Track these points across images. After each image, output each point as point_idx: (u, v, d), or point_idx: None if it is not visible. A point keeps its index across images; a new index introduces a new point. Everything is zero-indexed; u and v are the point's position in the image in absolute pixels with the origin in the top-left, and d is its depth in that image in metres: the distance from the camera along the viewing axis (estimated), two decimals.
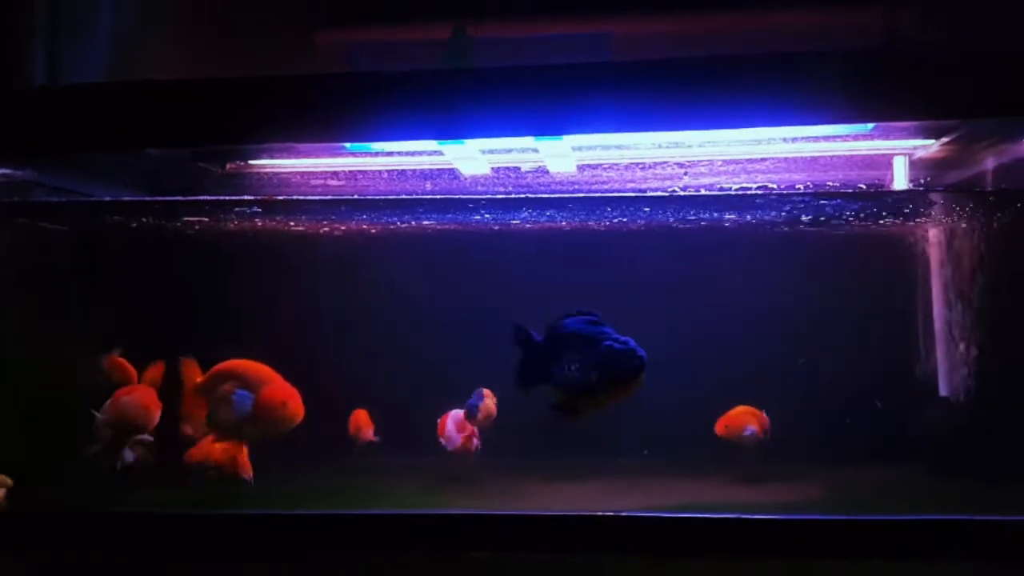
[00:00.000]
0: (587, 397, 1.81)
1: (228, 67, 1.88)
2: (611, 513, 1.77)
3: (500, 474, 2.30)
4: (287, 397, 2.06)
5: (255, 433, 2.08)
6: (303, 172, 2.32)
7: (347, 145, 2.13)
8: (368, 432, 2.46)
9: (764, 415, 2.32)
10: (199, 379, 2.19)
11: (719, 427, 2.33)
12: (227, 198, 2.22)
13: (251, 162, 2.31)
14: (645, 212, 2.24)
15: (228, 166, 2.33)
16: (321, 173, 2.31)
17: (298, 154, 2.25)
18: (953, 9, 2.06)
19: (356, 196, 2.28)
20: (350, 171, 2.29)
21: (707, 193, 2.08)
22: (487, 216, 2.31)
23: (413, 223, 2.39)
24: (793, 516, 1.76)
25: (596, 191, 2.22)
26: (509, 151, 2.15)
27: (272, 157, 2.28)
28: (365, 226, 2.43)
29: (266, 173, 2.34)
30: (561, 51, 1.81)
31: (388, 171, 2.27)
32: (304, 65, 2.06)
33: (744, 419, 2.32)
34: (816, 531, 1.75)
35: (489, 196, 2.21)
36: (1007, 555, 1.70)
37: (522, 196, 2.20)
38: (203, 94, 1.82)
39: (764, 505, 1.85)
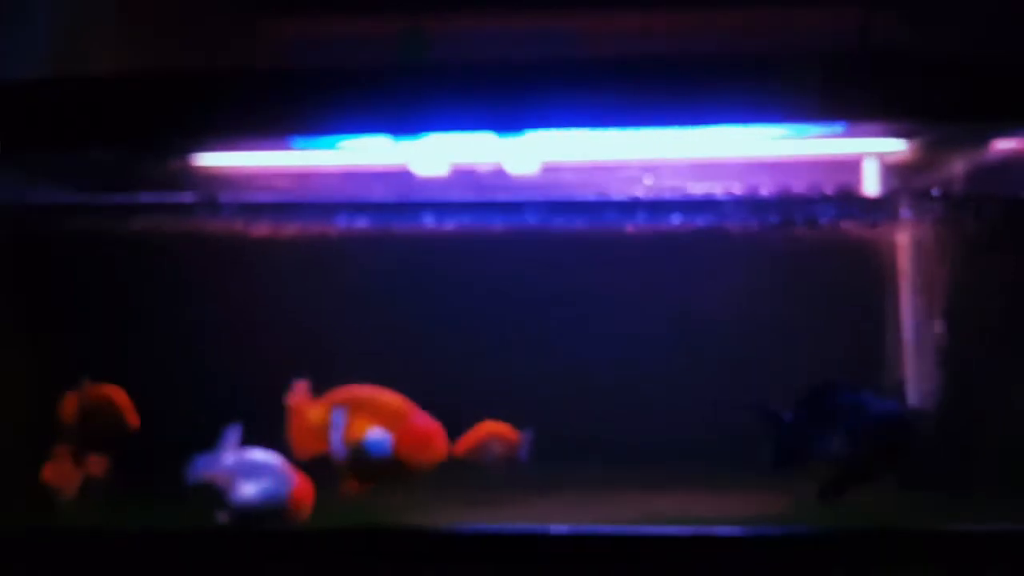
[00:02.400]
0: (858, 472, 1.77)
1: (172, 60, 1.81)
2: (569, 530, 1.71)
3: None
4: (431, 435, 1.82)
5: (390, 477, 1.83)
6: (249, 170, 2.22)
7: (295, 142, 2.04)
8: None
9: (514, 432, 2.12)
10: (312, 408, 1.92)
11: (458, 448, 2.05)
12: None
13: (194, 159, 2.21)
14: (602, 217, 2.19)
15: (171, 164, 2.24)
16: (269, 171, 2.22)
17: (244, 151, 2.16)
18: (926, 14, 2.05)
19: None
20: (302, 170, 2.21)
21: (671, 198, 2.05)
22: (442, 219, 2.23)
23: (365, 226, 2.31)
24: (758, 531, 1.72)
25: (559, 194, 2.16)
26: (468, 150, 2.08)
27: (217, 154, 2.18)
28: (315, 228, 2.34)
29: (211, 171, 2.24)
30: (523, 47, 1.74)
31: (339, 170, 2.19)
32: (253, 58, 1.97)
33: (484, 439, 2.10)
34: (783, 544, 1.71)
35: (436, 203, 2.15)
36: (978, 566, 1.69)
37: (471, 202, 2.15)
38: (142, 88, 1.74)
39: (726, 518, 1.78)
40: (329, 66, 1.67)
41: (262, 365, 2.23)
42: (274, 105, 1.71)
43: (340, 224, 2.20)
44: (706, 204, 2.05)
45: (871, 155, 2.18)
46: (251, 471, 1.82)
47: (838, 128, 1.97)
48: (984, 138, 2.02)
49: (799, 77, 1.72)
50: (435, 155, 2.10)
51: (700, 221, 2.17)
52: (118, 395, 2.08)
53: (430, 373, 2.17)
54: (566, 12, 1.93)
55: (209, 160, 2.21)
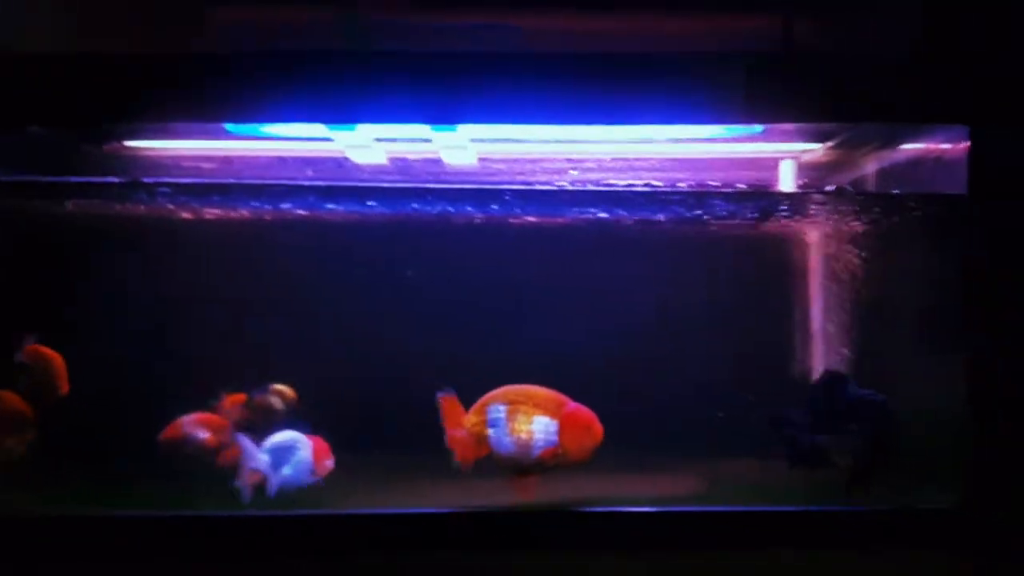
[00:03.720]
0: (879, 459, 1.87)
1: (113, 43, 1.80)
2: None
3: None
4: (591, 420, 1.88)
5: (556, 465, 1.89)
6: (185, 156, 2.23)
7: (229, 127, 2.06)
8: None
9: (224, 419, 2.12)
10: (465, 415, 1.95)
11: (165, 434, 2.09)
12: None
13: (129, 144, 2.21)
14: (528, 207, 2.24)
15: (106, 147, 2.24)
16: (205, 157, 2.22)
17: (180, 136, 2.17)
18: (844, 21, 2.12)
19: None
20: (238, 156, 2.22)
21: (594, 188, 2.09)
22: (374, 207, 2.26)
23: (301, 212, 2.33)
24: (665, 508, 1.80)
25: (493, 184, 2.20)
26: (406, 140, 2.12)
27: (153, 139, 2.19)
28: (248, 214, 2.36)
29: (148, 156, 2.25)
30: (465, 41, 1.77)
31: (276, 158, 2.21)
32: (196, 43, 1.95)
33: (188, 426, 2.10)
34: (690, 522, 1.79)
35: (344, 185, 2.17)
36: (869, 542, 1.78)
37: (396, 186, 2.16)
38: (79, 69, 1.73)
39: (639, 498, 1.86)
40: (260, 50, 1.68)
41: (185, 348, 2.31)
42: (207, 89, 1.72)
43: (263, 207, 2.23)
44: (625, 196, 2.10)
45: (788, 157, 2.26)
46: (284, 453, 1.96)
47: (757, 129, 2.06)
48: (894, 140, 2.12)
49: (721, 77, 1.79)
50: (373, 145, 2.13)
51: (620, 213, 2.24)
52: (56, 359, 2.16)
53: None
54: (507, 9, 1.95)
55: (145, 145, 2.23)
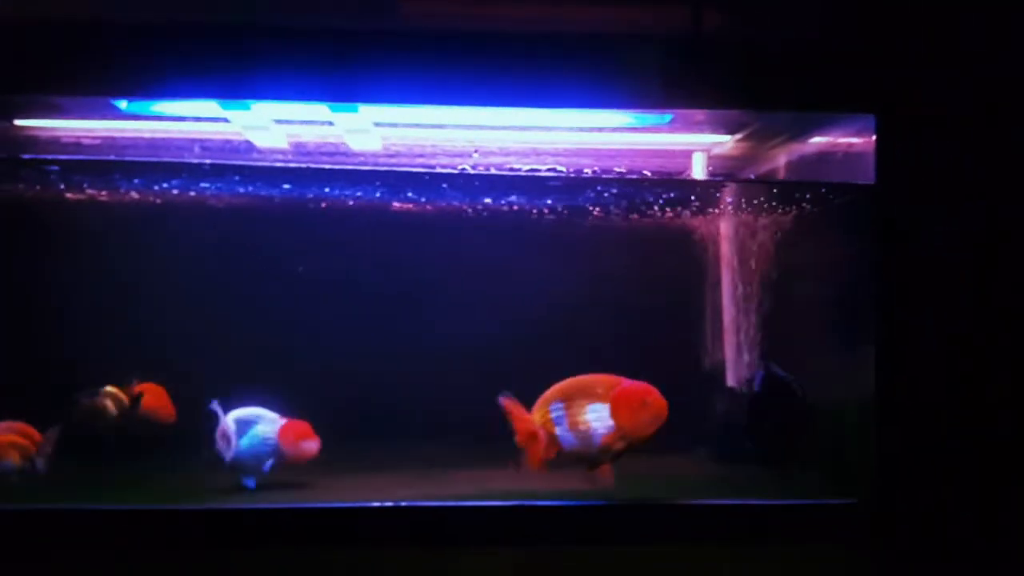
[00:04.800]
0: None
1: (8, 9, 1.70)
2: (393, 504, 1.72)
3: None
4: (644, 393, 1.83)
5: (623, 444, 1.83)
6: (75, 136, 2.13)
7: (122, 106, 1.97)
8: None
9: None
10: (530, 417, 1.90)
11: None
12: None
13: (17, 122, 2.10)
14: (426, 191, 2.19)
15: None
16: (96, 138, 2.13)
17: (69, 115, 2.07)
18: (752, 11, 2.11)
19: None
20: (131, 138, 2.13)
21: (497, 172, 2.04)
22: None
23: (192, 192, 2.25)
24: (585, 503, 1.78)
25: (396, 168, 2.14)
26: (307, 123, 2.05)
27: (41, 118, 2.08)
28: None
29: (36, 136, 2.14)
30: (342, 12, 1.71)
31: (173, 139, 2.11)
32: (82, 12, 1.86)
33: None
34: (608, 517, 1.77)
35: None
36: (783, 536, 1.77)
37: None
38: None
39: (558, 493, 1.82)
40: (147, 20, 1.60)
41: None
42: (90, 61, 1.64)
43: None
44: (530, 181, 2.07)
45: (699, 148, 2.24)
46: (244, 426, 2.06)
47: (665, 119, 2.04)
48: (803, 132, 2.12)
49: (628, 60, 1.76)
50: (272, 127, 2.06)
51: (523, 199, 2.21)
52: None
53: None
54: None
55: (35, 125, 2.13)
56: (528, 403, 1.92)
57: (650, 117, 2.03)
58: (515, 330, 2.33)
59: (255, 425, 2.07)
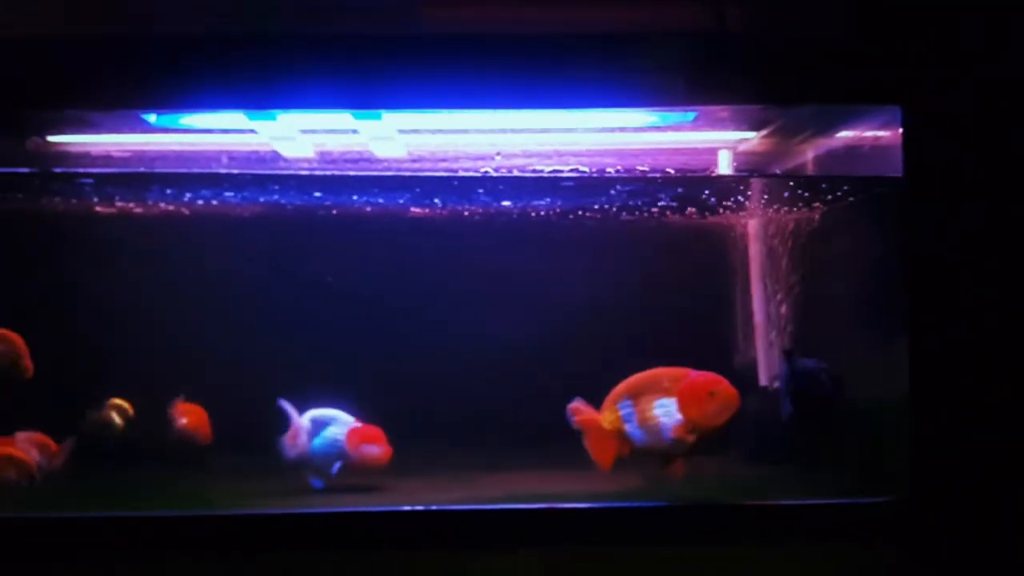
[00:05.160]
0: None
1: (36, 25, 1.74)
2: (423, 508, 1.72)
3: None
4: (712, 383, 1.81)
5: (694, 437, 1.82)
6: (109, 152, 2.16)
7: (152, 119, 1.99)
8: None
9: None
10: (599, 416, 1.91)
11: None
12: None
13: (51, 139, 2.14)
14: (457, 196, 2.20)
15: (29, 144, 2.17)
16: (129, 154, 2.16)
17: (101, 131, 2.10)
18: (775, 5, 2.10)
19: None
20: (161, 151, 2.16)
21: (519, 174, 2.05)
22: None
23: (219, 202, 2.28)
24: (610, 505, 1.76)
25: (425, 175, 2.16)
26: (332, 132, 2.06)
27: (73, 134, 2.11)
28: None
29: (71, 152, 2.18)
30: (366, 18, 1.72)
31: (200, 152, 2.14)
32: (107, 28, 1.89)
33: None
34: (635, 518, 1.75)
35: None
36: (819, 537, 1.73)
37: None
38: None
39: (581, 495, 1.82)
40: (173, 33, 1.63)
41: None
42: (118, 75, 1.66)
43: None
44: (558, 183, 2.07)
45: (724, 146, 2.23)
46: (319, 426, 2.11)
47: (689, 116, 2.03)
48: (830, 127, 2.10)
49: (652, 58, 1.76)
50: (299, 137, 2.07)
51: (552, 201, 2.21)
52: (16, 338, 2.13)
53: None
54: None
55: (68, 141, 2.16)
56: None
57: (674, 115, 2.02)
58: (568, 330, 2.35)
59: (328, 426, 2.10)
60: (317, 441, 2.10)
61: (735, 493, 1.88)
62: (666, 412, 1.83)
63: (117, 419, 2.23)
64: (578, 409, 1.91)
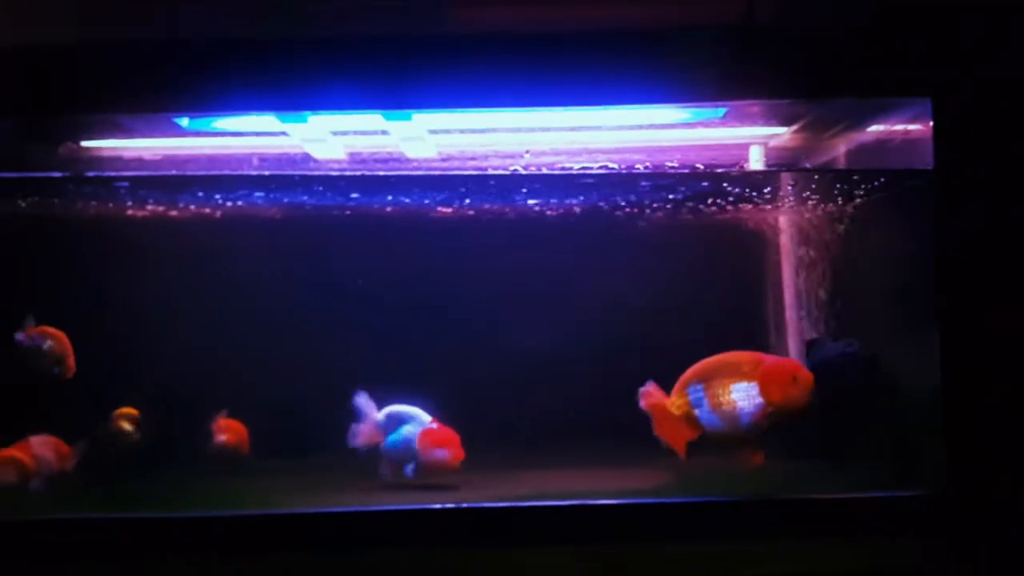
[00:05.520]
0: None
1: (66, 34, 1.76)
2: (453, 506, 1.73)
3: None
4: (794, 369, 1.80)
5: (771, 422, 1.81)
6: (142, 156, 2.19)
7: (184, 123, 2.01)
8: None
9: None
10: (668, 401, 1.91)
11: None
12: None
13: (85, 144, 2.17)
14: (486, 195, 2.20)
15: (61, 149, 2.20)
16: (162, 158, 2.18)
17: (134, 135, 2.12)
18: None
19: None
20: (192, 155, 2.18)
21: (548, 172, 2.05)
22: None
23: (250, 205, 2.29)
24: (639, 501, 1.76)
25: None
26: (363, 134, 2.07)
27: (106, 138, 2.14)
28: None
29: (104, 156, 2.21)
30: (394, 19, 1.73)
31: (232, 155, 2.16)
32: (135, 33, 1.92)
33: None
34: (671, 514, 1.75)
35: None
36: (850, 530, 1.73)
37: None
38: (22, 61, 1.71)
39: (609, 492, 1.82)
40: (204, 35, 1.65)
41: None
42: (150, 79, 1.69)
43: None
44: (589, 179, 2.07)
45: (755, 141, 2.22)
46: (395, 423, 2.10)
47: (720, 112, 2.02)
48: (861, 120, 2.08)
49: (681, 53, 1.76)
50: (330, 139, 2.09)
51: (586, 198, 2.21)
52: (64, 338, 2.18)
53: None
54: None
55: (101, 145, 2.19)
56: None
57: (704, 111, 2.02)
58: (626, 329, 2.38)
59: (405, 424, 2.08)
60: (391, 438, 2.09)
61: (767, 487, 1.87)
62: (745, 396, 1.81)
63: (128, 427, 2.24)
64: (648, 393, 1.90)
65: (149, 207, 2.34)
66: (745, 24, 1.95)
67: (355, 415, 2.15)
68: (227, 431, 2.30)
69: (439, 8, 1.73)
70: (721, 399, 1.83)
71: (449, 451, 2.03)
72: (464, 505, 1.73)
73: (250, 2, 1.70)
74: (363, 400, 2.15)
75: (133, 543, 1.70)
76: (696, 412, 1.86)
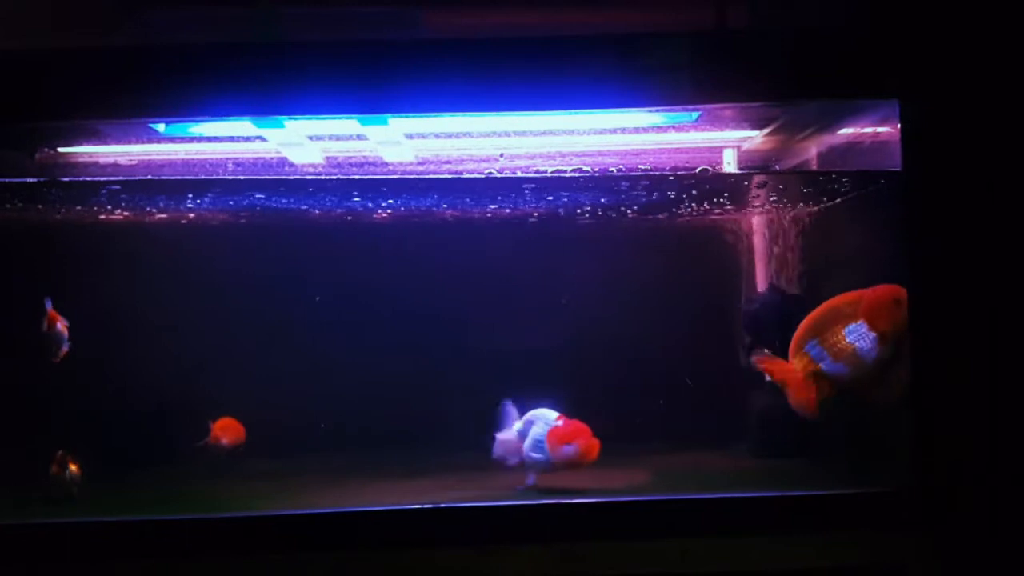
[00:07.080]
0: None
1: (29, 39, 1.77)
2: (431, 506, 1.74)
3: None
4: (894, 291, 1.77)
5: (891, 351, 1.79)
6: (117, 162, 2.19)
7: (161, 129, 2.02)
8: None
9: None
10: (788, 364, 1.90)
11: None
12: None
13: (61, 150, 2.17)
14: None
15: (37, 155, 2.20)
16: (137, 163, 2.19)
17: (110, 141, 2.13)
18: (776, 3, 2.11)
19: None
20: (170, 160, 2.19)
21: (522, 174, 2.07)
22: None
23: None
24: (621, 498, 1.77)
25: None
26: (340, 139, 2.09)
27: (82, 144, 2.15)
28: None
29: (80, 163, 2.21)
30: (369, 28, 1.74)
31: (210, 160, 2.17)
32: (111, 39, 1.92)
33: None
34: (648, 512, 1.76)
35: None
36: (826, 528, 1.75)
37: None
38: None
39: (591, 490, 1.84)
40: (179, 42, 1.65)
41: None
42: (126, 85, 1.69)
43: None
44: (563, 182, 2.08)
45: (729, 145, 2.24)
46: (529, 426, 2.04)
47: (693, 115, 2.04)
48: (832, 123, 2.11)
49: (653, 58, 1.77)
50: (307, 143, 2.10)
51: (557, 201, 2.22)
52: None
53: None
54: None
55: (77, 151, 2.19)
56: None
57: (678, 115, 2.04)
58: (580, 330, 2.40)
59: (534, 425, 2.03)
60: (527, 443, 2.02)
61: (738, 486, 1.89)
62: (859, 335, 1.83)
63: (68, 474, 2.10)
64: (768, 364, 1.91)
65: (122, 212, 2.34)
66: (717, 28, 1.98)
67: (499, 426, 2.11)
68: (225, 429, 2.32)
69: (413, 14, 1.74)
70: (839, 347, 1.84)
71: (576, 446, 1.93)
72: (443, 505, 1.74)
73: (224, 8, 1.71)
74: (510, 407, 2.09)
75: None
76: (822, 367, 1.87)
